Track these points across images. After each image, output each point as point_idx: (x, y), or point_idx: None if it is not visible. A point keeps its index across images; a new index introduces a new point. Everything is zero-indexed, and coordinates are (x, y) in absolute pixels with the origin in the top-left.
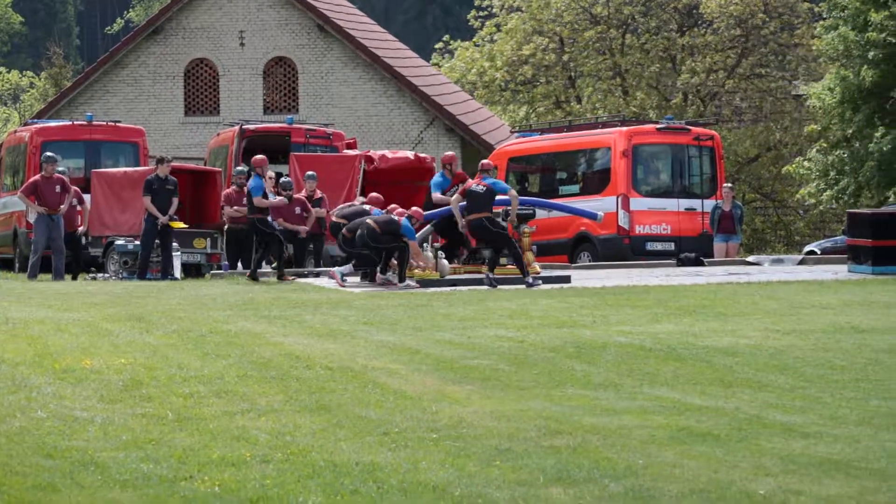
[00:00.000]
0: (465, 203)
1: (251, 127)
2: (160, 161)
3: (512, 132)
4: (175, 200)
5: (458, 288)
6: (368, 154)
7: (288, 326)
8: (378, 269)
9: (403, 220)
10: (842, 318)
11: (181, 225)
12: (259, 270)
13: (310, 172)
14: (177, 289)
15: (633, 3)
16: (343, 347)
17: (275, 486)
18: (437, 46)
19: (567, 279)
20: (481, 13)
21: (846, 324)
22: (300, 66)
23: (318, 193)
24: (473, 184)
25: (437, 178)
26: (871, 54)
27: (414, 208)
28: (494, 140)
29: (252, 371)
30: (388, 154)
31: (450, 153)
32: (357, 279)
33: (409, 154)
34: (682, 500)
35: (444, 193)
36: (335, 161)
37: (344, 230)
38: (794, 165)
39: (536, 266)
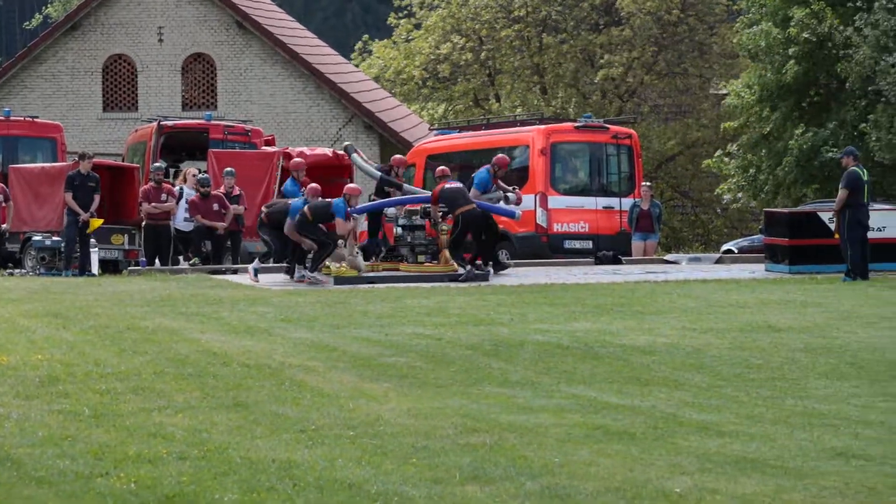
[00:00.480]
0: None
1: (169, 123)
2: (82, 157)
3: (430, 130)
4: (97, 197)
5: (375, 285)
6: (287, 151)
7: (205, 323)
8: (306, 266)
9: (336, 200)
10: (758, 317)
11: (100, 223)
12: (178, 267)
13: (228, 169)
14: (94, 285)
15: (550, 3)
16: (260, 344)
17: (191, 483)
18: (356, 46)
19: (485, 277)
20: (400, 14)
21: (763, 323)
22: (219, 62)
23: (237, 190)
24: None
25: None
26: (791, 50)
27: (352, 185)
28: (413, 137)
29: (169, 368)
30: (307, 151)
31: (501, 156)
32: (273, 275)
33: (328, 151)
34: (597, 499)
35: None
36: (254, 158)
37: (264, 213)
38: (713, 160)
39: (454, 263)
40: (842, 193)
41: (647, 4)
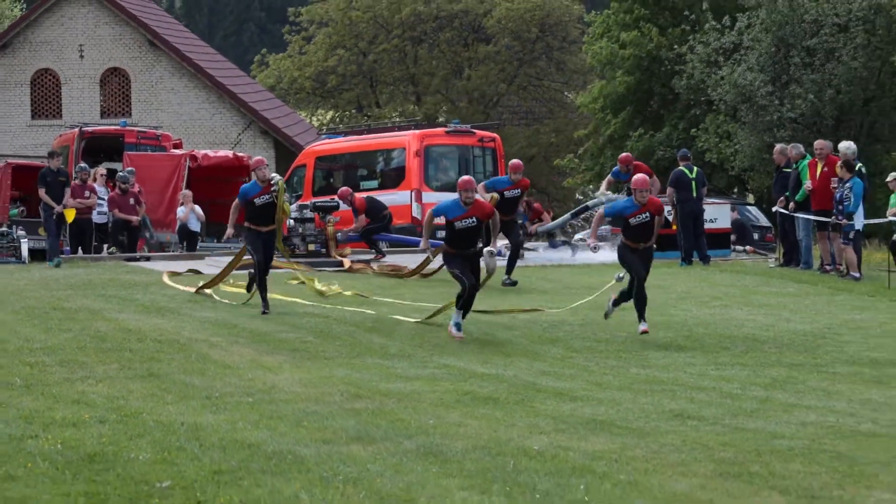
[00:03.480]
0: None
1: (90, 129)
2: (52, 155)
3: (319, 134)
4: (67, 191)
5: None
6: (193, 153)
7: (122, 304)
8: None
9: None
10: (602, 297)
11: (73, 213)
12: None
13: (129, 168)
14: (25, 271)
15: (424, 21)
16: (170, 323)
17: (110, 444)
18: (255, 59)
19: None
20: (294, 28)
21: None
22: (133, 75)
23: (136, 187)
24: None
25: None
26: (623, 68)
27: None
28: (304, 141)
29: (90, 343)
30: (210, 153)
31: (515, 161)
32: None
33: (229, 153)
34: (466, 455)
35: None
36: (164, 159)
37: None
38: (565, 160)
39: (347, 250)
40: (668, 191)
41: (509, 25)
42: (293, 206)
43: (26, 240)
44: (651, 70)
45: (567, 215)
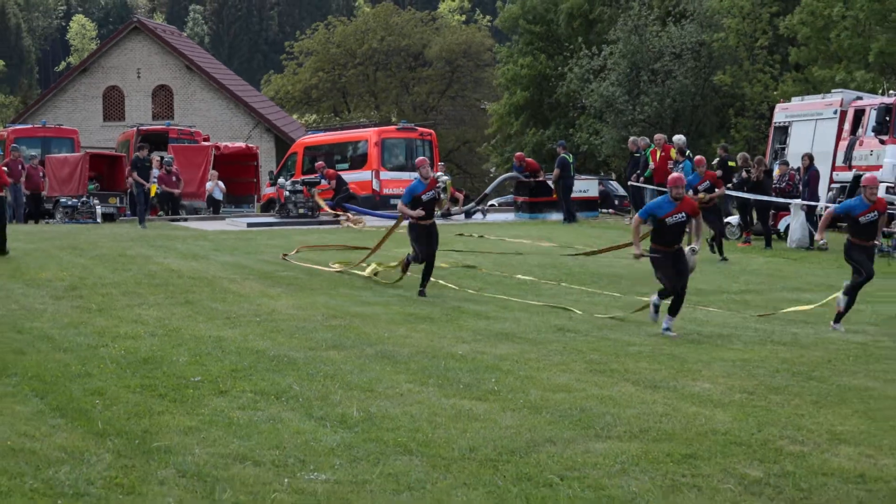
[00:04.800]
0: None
1: (144, 128)
2: (140, 148)
3: (306, 130)
4: (152, 173)
5: (273, 227)
6: (217, 145)
7: (167, 252)
8: None
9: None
10: (510, 246)
11: (155, 188)
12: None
13: (171, 156)
14: (98, 229)
15: (381, 52)
16: (201, 265)
17: (158, 351)
18: (262, 78)
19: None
20: (289, 56)
21: (513, 249)
22: (175, 90)
23: (176, 169)
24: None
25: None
26: (522, 83)
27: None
28: (296, 136)
29: (144, 280)
30: (229, 145)
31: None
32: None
33: (242, 145)
34: (411, 358)
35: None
36: (197, 149)
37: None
38: (483, 148)
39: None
40: (556, 171)
41: (442, 54)
42: (287, 183)
43: (99, 206)
44: (541, 85)
45: (487, 190)
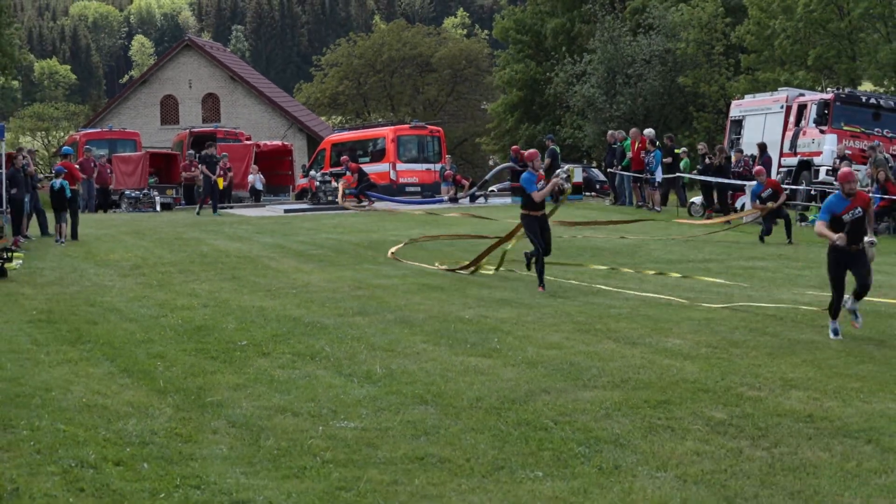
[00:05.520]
0: None
1: (196, 130)
2: (209, 146)
3: (333, 130)
4: (218, 167)
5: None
6: (258, 143)
7: (216, 235)
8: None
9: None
10: (508, 224)
11: (222, 181)
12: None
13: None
14: (158, 217)
15: (396, 61)
16: (245, 245)
17: (210, 319)
18: (295, 86)
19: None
20: (318, 67)
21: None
22: (221, 97)
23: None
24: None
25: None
26: (517, 85)
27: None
28: (324, 135)
29: (197, 259)
30: (268, 143)
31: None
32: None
33: (279, 143)
34: (425, 322)
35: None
36: (240, 147)
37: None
38: (482, 140)
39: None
40: (547, 161)
41: (447, 61)
42: (318, 175)
43: (158, 197)
44: (533, 87)
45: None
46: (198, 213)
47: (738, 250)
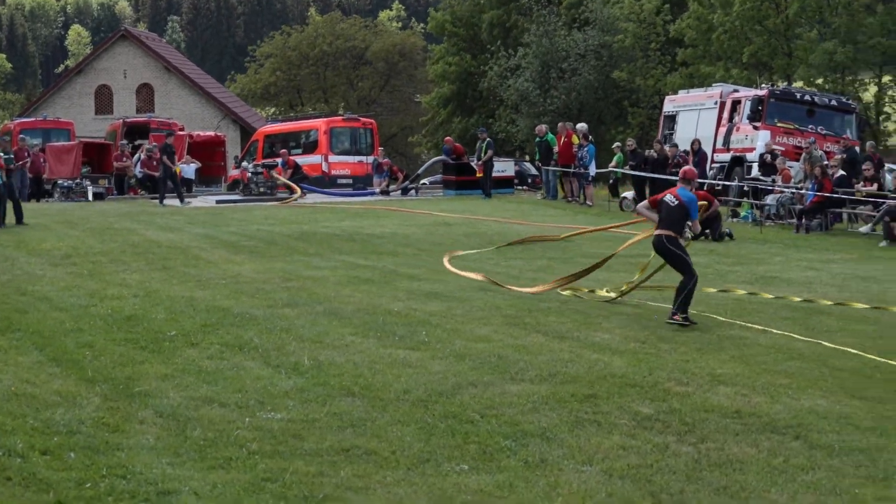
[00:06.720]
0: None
1: (129, 120)
2: (168, 136)
3: (266, 121)
4: (176, 157)
5: (236, 204)
6: (191, 133)
7: (148, 225)
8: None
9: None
10: (437, 218)
11: (178, 170)
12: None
13: (153, 144)
14: (90, 206)
15: (329, 54)
16: (176, 236)
17: (140, 310)
18: (228, 77)
19: (296, 197)
20: (252, 59)
21: (441, 221)
22: (156, 87)
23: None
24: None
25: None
26: (450, 78)
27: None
28: (257, 126)
29: (128, 249)
30: (201, 133)
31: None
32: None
33: (212, 133)
34: (354, 314)
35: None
36: (179, 138)
37: None
38: (415, 138)
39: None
40: (489, 153)
41: (380, 54)
42: (250, 167)
43: (90, 187)
44: (466, 81)
45: (419, 171)
46: (183, 203)
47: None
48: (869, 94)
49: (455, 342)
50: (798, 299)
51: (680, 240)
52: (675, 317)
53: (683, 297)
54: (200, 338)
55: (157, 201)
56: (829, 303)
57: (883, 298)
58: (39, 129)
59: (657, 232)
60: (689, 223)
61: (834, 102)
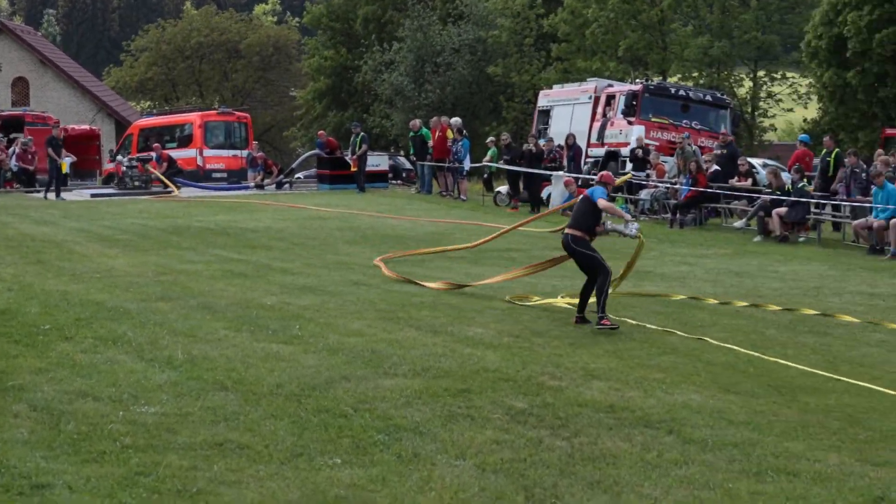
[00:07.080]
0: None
1: (4, 113)
2: (55, 127)
3: (141, 115)
4: (63, 150)
5: (112, 198)
6: (65, 127)
7: (22, 219)
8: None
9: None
10: (312, 212)
11: (65, 165)
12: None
13: (28, 137)
14: None
15: (205, 47)
16: (51, 230)
17: (14, 303)
18: (104, 71)
19: (171, 192)
20: (128, 52)
21: (315, 214)
22: (31, 81)
23: (33, 148)
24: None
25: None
26: (325, 72)
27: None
28: (132, 120)
29: (2, 242)
30: (77, 126)
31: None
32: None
33: (87, 126)
34: (227, 308)
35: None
36: (48, 131)
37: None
38: (289, 131)
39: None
40: (364, 147)
41: (255, 48)
42: (125, 160)
43: None
44: (341, 75)
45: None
46: (45, 198)
47: (542, 240)
48: (744, 89)
49: (328, 336)
50: (681, 297)
51: (588, 239)
52: (604, 321)
53: (605, 297)
54: (74, 331)
55: (40, 195)
56: (683, 297)
57: (757, 293)
58: None
59: (566, 230)
60: (604, 213)
61: (709, 98)
